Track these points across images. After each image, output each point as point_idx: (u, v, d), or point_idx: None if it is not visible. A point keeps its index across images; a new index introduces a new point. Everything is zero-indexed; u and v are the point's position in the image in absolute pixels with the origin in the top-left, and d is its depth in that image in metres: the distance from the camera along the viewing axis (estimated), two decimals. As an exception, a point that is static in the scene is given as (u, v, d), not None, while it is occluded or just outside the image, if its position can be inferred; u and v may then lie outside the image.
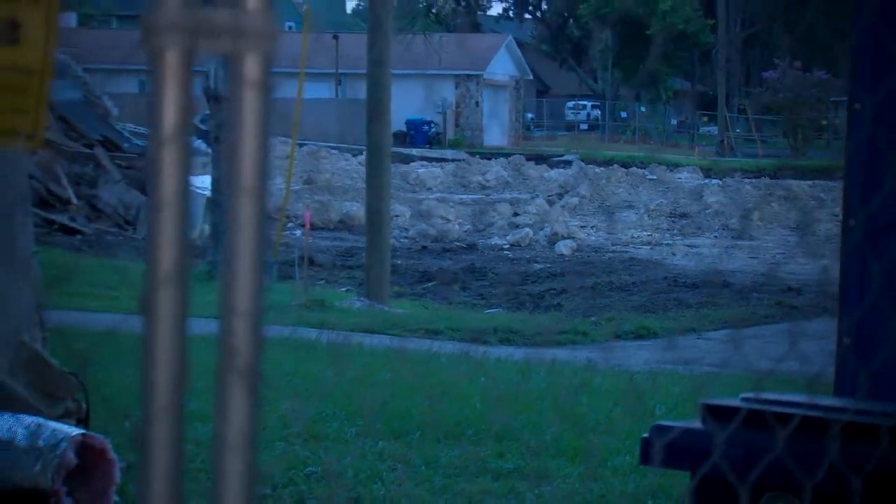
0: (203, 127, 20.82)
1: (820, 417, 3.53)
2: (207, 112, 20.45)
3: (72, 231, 23.91)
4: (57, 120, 26.96)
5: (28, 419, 7.58)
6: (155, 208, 1.45)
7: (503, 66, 68.57)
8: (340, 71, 58.81)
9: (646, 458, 3.84)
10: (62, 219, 24.00)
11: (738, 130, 71.61)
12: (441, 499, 7.89)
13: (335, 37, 58.59)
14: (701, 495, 3.59)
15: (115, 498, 7.13)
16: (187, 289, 1.48)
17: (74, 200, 24.53)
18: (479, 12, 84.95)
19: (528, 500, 7.89)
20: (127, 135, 28.62)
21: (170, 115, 1.46)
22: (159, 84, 1.45)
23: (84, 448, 7.26)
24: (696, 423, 3.78)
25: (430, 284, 22.22)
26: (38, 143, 1.69)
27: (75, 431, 7.38)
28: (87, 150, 26.18)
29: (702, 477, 3.44)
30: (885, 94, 4.04)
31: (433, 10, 33.70)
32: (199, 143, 26.56)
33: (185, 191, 1.46)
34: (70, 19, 68.89)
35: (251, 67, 1.47)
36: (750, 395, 3.79)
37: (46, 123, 1.67)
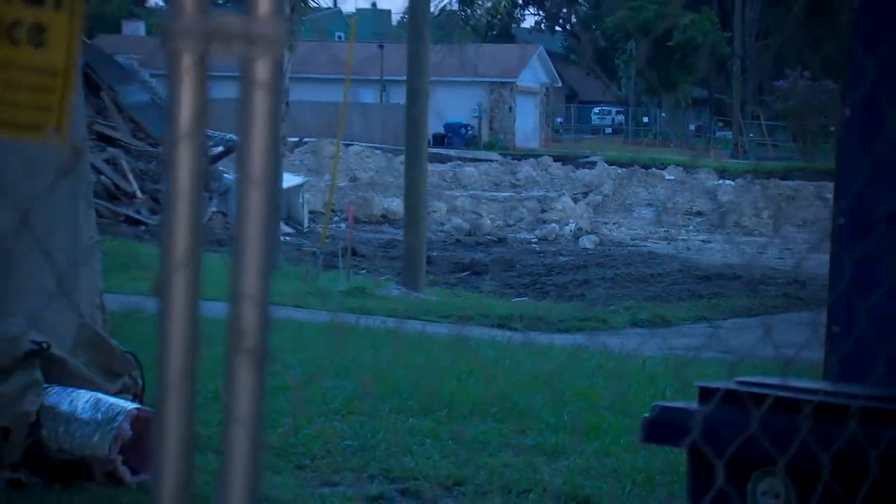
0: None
1: (798, 399, 3.53)
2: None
3: (136, 222, 23.98)
4: (126, 121, 27.07)
5: (88, 394, 7.62)
6: (171, 198, 1.45)
7: (534, 74, 68.47)
8: (385, 78, 58.77)
9: (646, 435, 3.83)
10: (128, 211, 24.08)
11: (751, 135, 71.26)
12: (466, 471, 7.88)
13: (380, 46, 58.57)
14: (696, 471, 3.58)
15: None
16: (200, 273, 1.48)
17: (139, 194, 24.61)
18: (513, 24, 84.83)
19: (546, 474, 7.87)
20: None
21: (185, 113, 1.46)
22: (175, 84, 1.45)
23: (139, 420, 7.29)
24: (693, 405, 3.77)
25: (462, 274, 22.20)
26: (62, 139, 1.70)
27: (131, 406, 7.41)
28: (152, 149, 26.27)
29: (696, 453, 3.43)
30: (871, 100, 4.02)
31: (469, 23, 33.64)
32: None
33: (199, 182, 1.46)
34: (138, 28, 69.13)
35: (261, 70, 1.47)
36: (743, 378, 3.78)
37: (70, 119, 1.67)
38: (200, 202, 1.48)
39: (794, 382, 3.68)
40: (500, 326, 14.85)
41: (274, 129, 1.48)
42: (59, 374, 7.68)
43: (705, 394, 3.75)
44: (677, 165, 44.79)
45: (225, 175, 25.45)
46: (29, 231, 7.48)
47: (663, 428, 3.59)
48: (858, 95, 4.03)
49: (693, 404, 3.81)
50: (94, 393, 7.61)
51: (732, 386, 3.68)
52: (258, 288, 1.48)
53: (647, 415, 3.82)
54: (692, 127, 79.81)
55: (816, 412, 3.38)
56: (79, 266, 7.98)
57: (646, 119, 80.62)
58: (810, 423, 3.30)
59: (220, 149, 27.07)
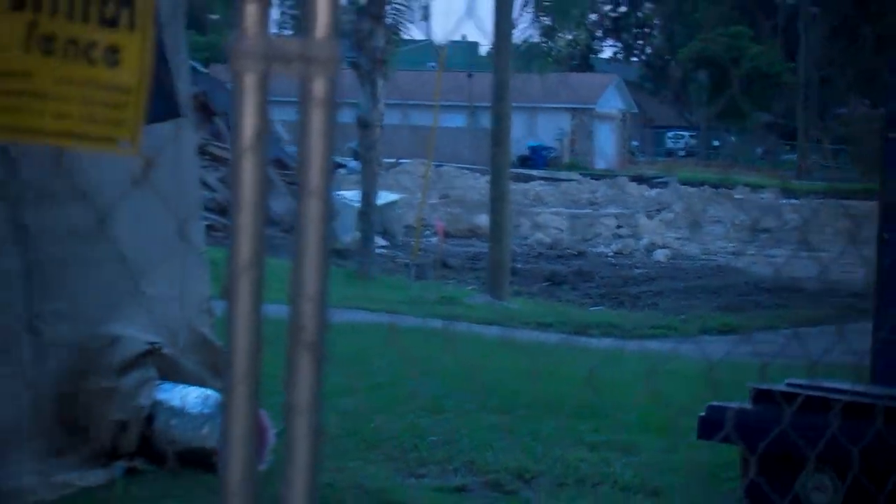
0: (355, 148, 20.96)
1: (849, 401, 3.46)
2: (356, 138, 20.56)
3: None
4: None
5: (197, 390, 7.67)
6: (235, 208, 1.45)
7: (612, 100, 68.22)
8: (473, 104, 58.82)
9: (701, 433, 3.78)
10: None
11: (814, 158, 70.45)
12: (543, 465, 7.83)
13: (469, 75, 58.60)
14: (749, 466, 3.52)
15: (270, 457, 7.19)
16: (262, 276, 1.47)
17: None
18: (592, 55, 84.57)
19: (617, 468, 7.81)
20: (295, 156, 28.88)
21: (248, 127, 1.45)
22: (239, 102, 1.44)
23: (243, 416, 7.33)
24: (747, 405, 3.71)
25: (544, 285, 22.11)
26: (135, 151, 1.70)
27: (236, 402, 7.47)
28: (261, 169, 26.43)
29: (751, 449, 3.37)
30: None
31: (551, 55, 33.59)
32: (352, 163, 26.74)
33: (262, 192, 1.45)
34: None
35: (318, 88, 1.46)
36: (794, 380, 3.71)
37: (141, 133, 1.68)
38: (263, 211, 1.47)
39: (840, 385, 3.61)
40: (578, 333, 14.76)
41: (330, 143, 1.47)
42: (170, 372, 7.75)
43: (757, 395, 3.69)
44: (745, 185, 44.34)
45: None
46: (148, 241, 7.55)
47: (716, 426, 3.54)
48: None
49: (746, 404, 3.75)
50: (202, 389, 7.66)
51: (784, 388, 3.63)
52: (316, 288, 1.47)
53: (702, 414, 3.76)
54: (759, 150, 79.03)
55: (860, 412, 3.32)
56: (188, 274, 8.04)
57: (716, 143, 79.96)
58: (854, 422, 3.24)
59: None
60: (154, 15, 1.68)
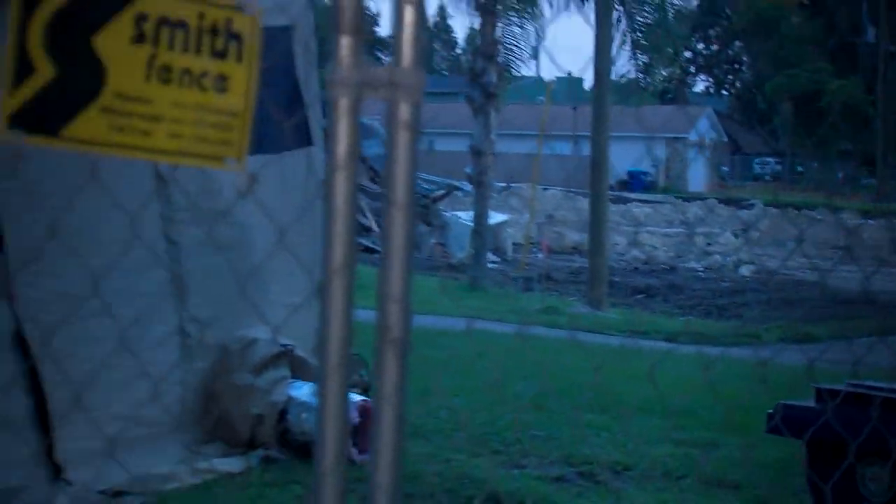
0: (470, 173, 20.99)
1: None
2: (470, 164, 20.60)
3: (372, 251, 24.31)
4: (366, 169, 27.58)
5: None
6: (329, 217, 1.47)
7: (704, 129, 67.53)
8: (577, 134, 58.62)
9: (770, 428, 3.72)
10: (366, 242, 24.43)
11: (893, 183, 68.92)
12: (632, 459, 7.77)
13: (574, 108, 58.45)
14: (813, 460, 3.47)
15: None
16: (353, 278, 1.49)
17: (375, 228, 24.96)
18: (686, 89, 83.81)
19: (700, 463, 7.71)
20: (420, 181, 29.04)
21: (341, 147, 1.47)
22: (334, 124, 1.47)
23: (365, 410, 7.37)
24: (811, 402, 3.66)
25: (638, 296, 21.92)
26: (241, 168, 1.74)
27: (359, 398, 7.50)
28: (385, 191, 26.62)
29: (812, 445, 3.32)
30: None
31: (648, 89, 33.45)
32: (467, 187, 26.71)
33: (353, 203, 1.47)
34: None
35: (404, 112, 1.48)
36: (854, 381, 3.65)
37: (247, 152, 1.72)
38: (354, 220, 1.49)
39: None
40: (669, 340, 14.60)
41: (413, 161, 1.48)
42: (301, 371, 7.82)
43: (820, 394, 3.63)
44: (826, 207, 43.54)
45: (443, 213, 25.64)
46: (284, 249, 7.65)
47: (783, 422, 3.48)
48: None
49: (810, 402, 3.70)
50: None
51: (844, 388, 3.57)
52: (401, 291, 1.48)
53: (770, 411, 3.71)
54: (840, 175, 77.57)
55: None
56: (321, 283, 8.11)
57: (800, 168, 78.68)
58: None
59: (441, 192, 27.29)
60: (259, 48, 1.73)
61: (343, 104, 1.46)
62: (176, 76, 1.63)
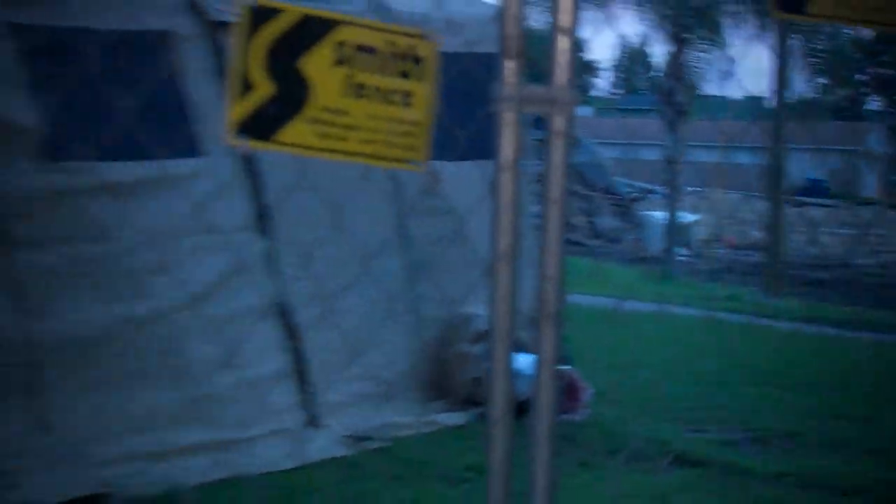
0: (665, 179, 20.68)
1: None
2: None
3: (576, 244, 24.22)
4: (576, 174, 27.52)
5: (530, 357, 7.74)
6: (497, 211, 1.48)
7: (877, 142, 64.53)
8: (755, 146, 56.91)
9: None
10: (570, 236, 24.34)
11: None
12: (801, 428, 7.50)
13: (754, 122, 56.80)
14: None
15: (588, 410, 7.22)
16: (516, 263, 1.50)
17: (580, 225, 24.86)
18: (861, 107, 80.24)
19: (863, 433, 7.37)
20: (619, 184, 28.75)
21: (506, 152, 1.49)
22: (501, 133, 1.48)
23: (564, 377, 7.36)
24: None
25: (811, 288, 21.10)
26: (423, 168, 1.78)
27: (560, 367, 7.49)
28: (591, 193, 26.46)
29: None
30: None
31: (823, 107, 32.25)
32: (660, 190, 26.21)
33: (516, 199, 1.48)
34: (587, 111, 69.58)
35: (557, 123, 1.48)
36: None
37: (428, 155, 1.76)
38: (517, 214, 1.50)
39: None
40: (838, 326, 14.01)
41: (565, 164, 1.48)
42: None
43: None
44: None
45: (640, 212, 25.34)
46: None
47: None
48: None
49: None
50: (534, 356, 7.73)
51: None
52: (555, 272, 1.49)
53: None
54: None
55: None
56: (521, 273, 8.12)
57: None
58: None
59: (637, 194, 26.98)
60: (436, 70, 1.77)
61: (507, 117, 1.48)
62: (369, 92, 1.70)
